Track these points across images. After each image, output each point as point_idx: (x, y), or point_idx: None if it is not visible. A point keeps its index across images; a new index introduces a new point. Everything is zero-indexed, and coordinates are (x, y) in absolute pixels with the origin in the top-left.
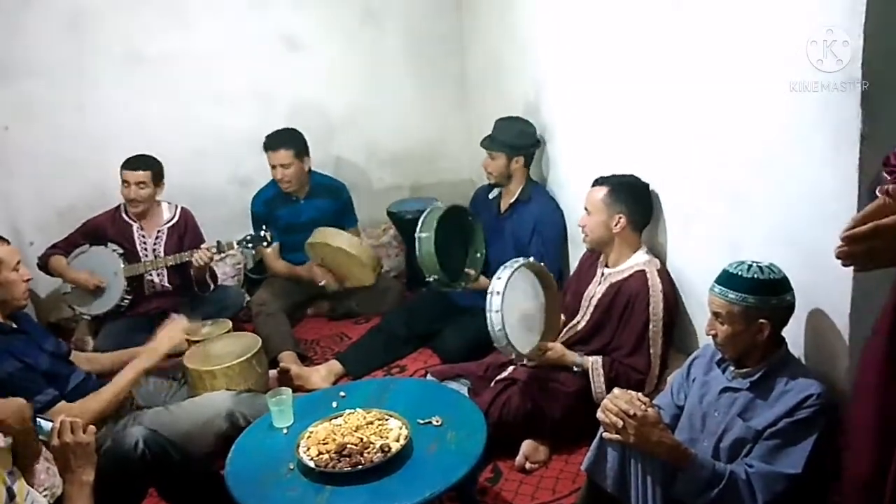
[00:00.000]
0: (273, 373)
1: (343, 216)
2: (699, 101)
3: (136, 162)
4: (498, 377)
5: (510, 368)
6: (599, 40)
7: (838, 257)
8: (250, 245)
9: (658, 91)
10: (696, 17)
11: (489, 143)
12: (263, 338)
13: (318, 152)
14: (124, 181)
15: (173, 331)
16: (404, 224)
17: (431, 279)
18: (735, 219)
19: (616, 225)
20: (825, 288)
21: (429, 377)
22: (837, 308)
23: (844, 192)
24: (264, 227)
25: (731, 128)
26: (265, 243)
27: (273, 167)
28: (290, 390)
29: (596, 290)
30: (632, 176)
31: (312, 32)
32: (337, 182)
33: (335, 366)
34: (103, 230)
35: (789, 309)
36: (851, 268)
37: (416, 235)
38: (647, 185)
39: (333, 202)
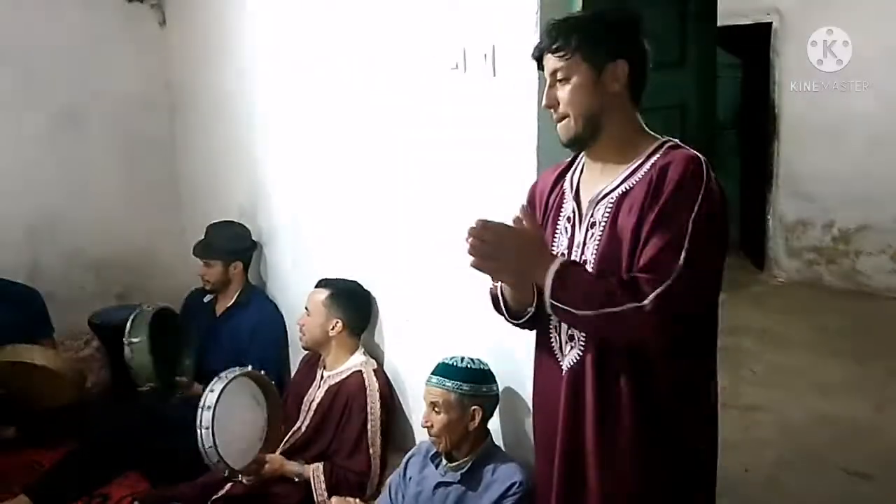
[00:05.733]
0: None
1: (35, 327)
2: (413, 213)
3: None
4: (214, 496)
5: (227, 486)
6: (317, 145)
7: (469, 245)
8: None
9: (375, 198)
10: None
11: (202, 250)
12: None
13: (9, 260)
14: None
15: None
16: (108, 334)
17: (147, 387)
18: (445, 322)
19: (332, 329)
20: (520, 382)
21: None
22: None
23: None
24: None
25: (438, 238)
26: None
27: None
28: None
29: (315, 394)
30: (354, 283)
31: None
32: (27, 289)
33: (22, 501)
34: None
35: (496, 398)
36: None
37: (126, 341)
38: (368, 294)
39: (22, 312)
